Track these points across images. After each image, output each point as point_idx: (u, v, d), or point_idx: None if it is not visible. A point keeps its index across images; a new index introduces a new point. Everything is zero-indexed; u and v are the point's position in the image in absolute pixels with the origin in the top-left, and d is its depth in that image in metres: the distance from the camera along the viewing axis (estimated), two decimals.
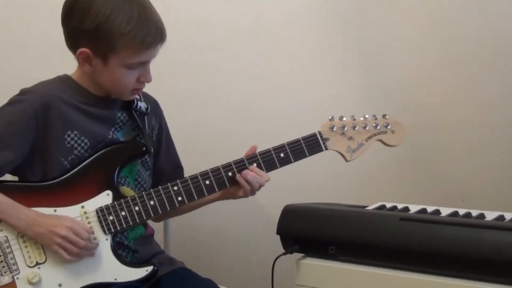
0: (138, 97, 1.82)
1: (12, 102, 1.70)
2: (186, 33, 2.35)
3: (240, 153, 1.75)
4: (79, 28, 1.64)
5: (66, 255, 1.62)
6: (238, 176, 1.72)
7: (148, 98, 1.87)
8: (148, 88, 1.79)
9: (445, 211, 1.81)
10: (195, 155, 2.11)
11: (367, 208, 1.87)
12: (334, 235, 1.70)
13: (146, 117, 1.82)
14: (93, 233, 1.66)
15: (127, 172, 1.78)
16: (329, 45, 2.46)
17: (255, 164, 1.73)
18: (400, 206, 1.88)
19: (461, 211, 1.81)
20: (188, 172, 1.81)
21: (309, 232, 1.74)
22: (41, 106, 1.67)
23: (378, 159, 2.28)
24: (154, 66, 1.71)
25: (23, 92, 1.71)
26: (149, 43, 1.65)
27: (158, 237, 1.96)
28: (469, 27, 2.39)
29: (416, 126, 2.20)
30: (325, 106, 2.40)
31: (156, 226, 1.92)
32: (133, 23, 1.61)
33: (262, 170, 1.73)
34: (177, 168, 1.95)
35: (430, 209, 1.84)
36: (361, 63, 2.47)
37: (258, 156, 1.74)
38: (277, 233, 1.78)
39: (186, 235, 2.27)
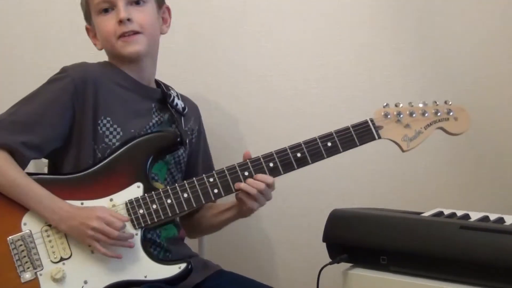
0: (175, 94, 1.81)
1: (52, 80, 1.71)
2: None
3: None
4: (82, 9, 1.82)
5: (100, 247, 1.56)
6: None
7: (187, 101, 1.88)
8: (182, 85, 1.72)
9: (509, 219, 1.71)
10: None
11: (423, 214, 1.78)
12: (386, 243, 1.62)
13: (182, 118, 1.82)
14: (127, 221, 1.61)
15: (157, 169, 1.74)
16: (384, 30, 2.35)
17: (299, 154, 1.66)
18: (459, 213, 1.79)
19: None
20: None
21: (359, 240, 1.67)
22: (81, 82, 1.69)
23: (434, 160, 2.20)
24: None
25: (63, 69, 1.72)
26: None
27: (193, 241, 1.91)
28: None
29: (480, 124, 2.08)
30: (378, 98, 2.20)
31: None
32: None
33: (308, 161, 1.67)
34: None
35: (493, 216, 1.74)
36: (424, 53, 2.35)
37: (303, 145, 1.67)
38: (323, 240, 1.71)
39: (221, 239, 2.20)
